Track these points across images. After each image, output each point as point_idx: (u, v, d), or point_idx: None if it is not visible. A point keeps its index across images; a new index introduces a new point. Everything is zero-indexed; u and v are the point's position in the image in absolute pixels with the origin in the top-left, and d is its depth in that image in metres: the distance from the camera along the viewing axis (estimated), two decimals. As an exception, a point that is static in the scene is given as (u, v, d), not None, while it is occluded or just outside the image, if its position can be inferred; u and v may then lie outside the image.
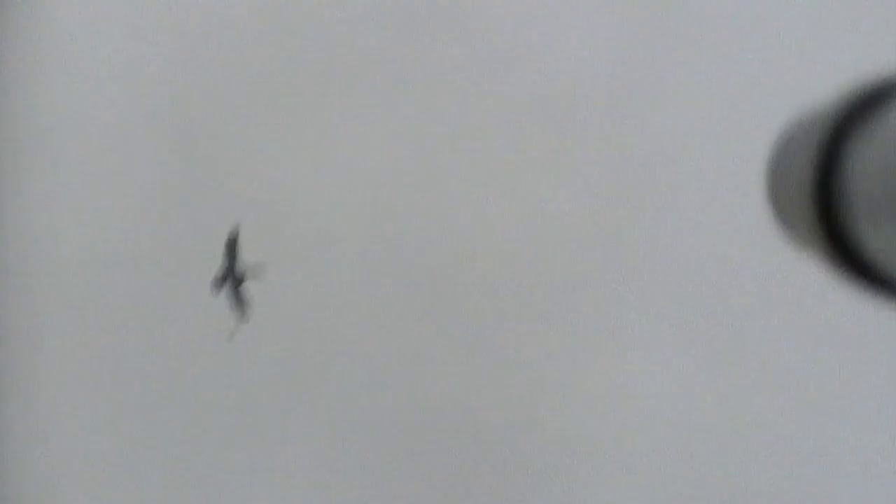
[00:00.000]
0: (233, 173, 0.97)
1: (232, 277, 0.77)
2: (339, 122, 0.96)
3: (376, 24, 0.95)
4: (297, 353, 0.97)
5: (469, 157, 0.97)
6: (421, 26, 0.95)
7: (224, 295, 0.89)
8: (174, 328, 0.97)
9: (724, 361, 0.95)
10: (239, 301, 0.76)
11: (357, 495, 0.97)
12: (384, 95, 0.96)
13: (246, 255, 0.96)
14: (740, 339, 0.95)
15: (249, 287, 0.93)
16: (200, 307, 0.97)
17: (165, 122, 0.97)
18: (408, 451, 0.97)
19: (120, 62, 0.97)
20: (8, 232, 0.97)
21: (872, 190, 0.33)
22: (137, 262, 0.97)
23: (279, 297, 0.96)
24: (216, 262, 0.96)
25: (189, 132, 0.97)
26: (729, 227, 0.95)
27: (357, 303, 0.97)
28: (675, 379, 0.96)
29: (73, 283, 0.98)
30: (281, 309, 0.96)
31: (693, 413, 0.96)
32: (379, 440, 0.97)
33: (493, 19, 0.96)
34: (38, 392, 0.97)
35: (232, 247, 0.76)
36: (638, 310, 0.96)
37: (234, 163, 0.96)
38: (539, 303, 0.97)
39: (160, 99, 0.97)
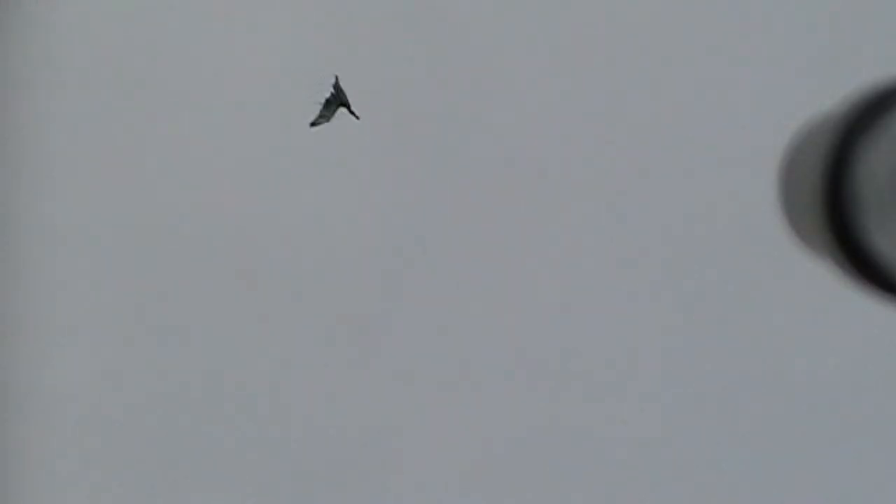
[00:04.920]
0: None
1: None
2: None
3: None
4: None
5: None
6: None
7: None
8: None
9: (732, 368, 0.95)
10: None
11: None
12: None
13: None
14: (751, 344, 0.95)
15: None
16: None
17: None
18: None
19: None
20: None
21: (883, 193, 0.33)
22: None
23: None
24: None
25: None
26: (739, 232, 0.95)
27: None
28: (672, 395, 0.96)
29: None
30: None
31: (690, 415, 0.96)
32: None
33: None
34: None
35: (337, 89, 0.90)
36: (641, 318, 0.96)
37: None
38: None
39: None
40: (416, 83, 0.96)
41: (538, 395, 0.96)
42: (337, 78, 0.90)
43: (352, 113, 0.90)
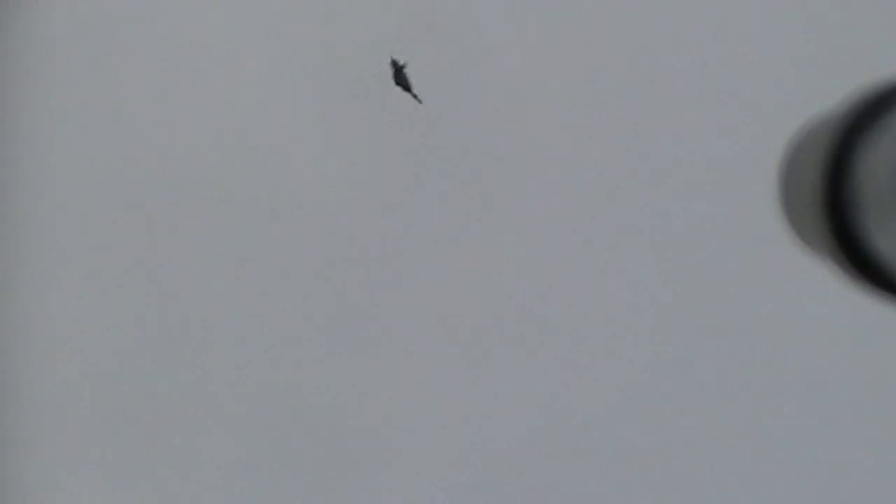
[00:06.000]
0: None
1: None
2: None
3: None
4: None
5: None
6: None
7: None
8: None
9: (731, 368, 0.95)
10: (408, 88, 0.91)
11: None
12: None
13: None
14: (749, 344, 0.95)
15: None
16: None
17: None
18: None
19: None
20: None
21: (883, 193, 0.33)
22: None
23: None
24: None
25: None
26: (739, 232, 0.95)
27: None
28: (670, 401, 0.96)
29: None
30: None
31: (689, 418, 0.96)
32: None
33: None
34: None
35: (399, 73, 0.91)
36: (640, 317, 0.96)
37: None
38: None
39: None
40: (418, 76, 0.96)
41: (536, 387, 0.96)
42: (394, 62, 0.89)
43: (413, 96, 0.90)
